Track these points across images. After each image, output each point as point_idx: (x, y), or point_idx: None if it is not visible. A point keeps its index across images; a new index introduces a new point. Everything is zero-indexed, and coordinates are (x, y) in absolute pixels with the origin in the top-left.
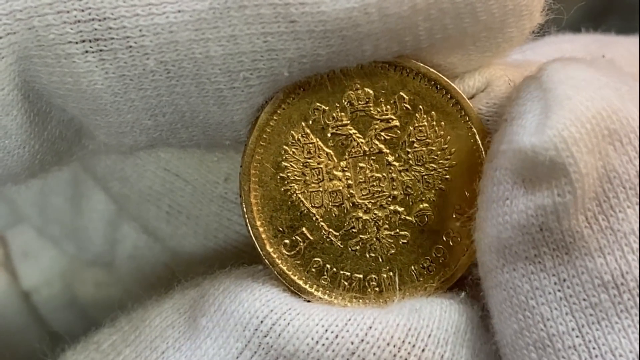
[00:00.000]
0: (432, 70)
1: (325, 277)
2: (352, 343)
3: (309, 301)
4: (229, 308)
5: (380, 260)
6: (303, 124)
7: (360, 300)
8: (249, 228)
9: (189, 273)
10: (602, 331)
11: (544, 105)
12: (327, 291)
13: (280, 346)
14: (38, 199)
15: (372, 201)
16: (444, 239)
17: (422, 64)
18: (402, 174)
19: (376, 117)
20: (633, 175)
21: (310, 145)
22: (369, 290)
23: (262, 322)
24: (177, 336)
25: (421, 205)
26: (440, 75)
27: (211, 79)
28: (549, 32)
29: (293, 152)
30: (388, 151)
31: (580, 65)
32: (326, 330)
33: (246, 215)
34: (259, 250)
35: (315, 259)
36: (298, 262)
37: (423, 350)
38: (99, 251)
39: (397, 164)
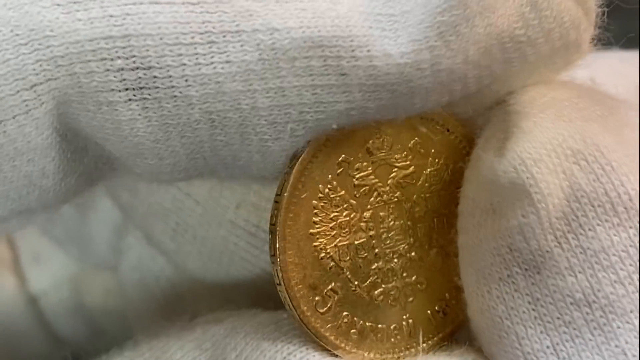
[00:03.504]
0: (445, 114)
1: (354, 331)
2: None
3: (335, 355)
4: (250, 356)
5: (401, 308)
6: (330, 177)
7: (383, 351)
8: (284, 287)
9: (193, 289)
10: (576, 348)
11: (506, 128)
12: (356, 344)
13: None
14: None
15: (393, 250)
16: (456, 279)
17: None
18: (418, 220)
19: (395, 164)
20: (601, 193)
21: (338, 198)
22: (393, 339)
23: None
24: None
25: (436, 250)
26: (453, 119)
27: (256, 129)
28: None
29: (322, 206)
30: (404, 198)
31: (548, 86)
32: None
33: (280, 275)
34: (294, 310)
35: (345, 313)
36: (329, 318)
37: None
38: (103, 260)
39: (415, 210)
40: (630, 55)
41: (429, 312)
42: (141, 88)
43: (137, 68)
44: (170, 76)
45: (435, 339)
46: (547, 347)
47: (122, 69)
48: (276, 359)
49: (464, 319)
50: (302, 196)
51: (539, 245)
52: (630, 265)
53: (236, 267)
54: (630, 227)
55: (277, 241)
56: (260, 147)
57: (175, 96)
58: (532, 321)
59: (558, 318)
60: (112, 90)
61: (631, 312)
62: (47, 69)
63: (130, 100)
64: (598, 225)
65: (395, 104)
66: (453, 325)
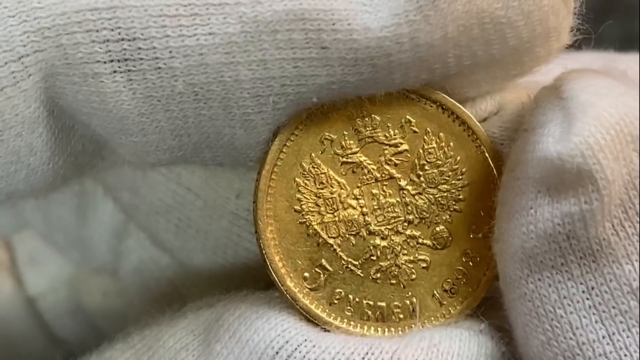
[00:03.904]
0: (436, 92)
1: (349, 307)
2: None
3: (328, 330)
4: (244, 336)
5: (402, 286)
6: (313, 154)
7: (385, 329)
8: (268, 264)
9: (195, 288)
10: (633, 338)
11: (567, 114)
12: (352, 322)
13: None
14: (43, 205)
15: (389, 227)
16: (463, 259)
17: (427, 88)
18: (416, 197)
19: (385, 142)
20: None
21: (322, 175)
22: (394, 317)
23: (277, 353)
24: None
25: (437, 228)
26: (445, 96)
27: (239, 102)
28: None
29: (305, 183)
30: (400, 176)
31: (597, 74)
32: None
33: (264, 251)
34: (280, 286)
35: (337, 290)
36: (320, 294)
37: None
38: (103, 263)
39: (410, 188)
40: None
41: (435, 291)
42: (126, 60)
43: (122, 39)
44: (154, 47)
45: (442, 319)
46: (603, 336)
47: (108, 41)
48: (270, 336)
49: (476, 299)
50: (283, 173)
51: (597, 232)
52: None
53: (241, 259)
54: None
55: (257, 219)
56: (244, 122)
57: (159, 68)
58: (586, 310)
59: (614, 307)
60: (98, 61)
61: None
62: (35, 41)
63: (115, 72)
64: None
65: (375, 78)
66: (463, 305)
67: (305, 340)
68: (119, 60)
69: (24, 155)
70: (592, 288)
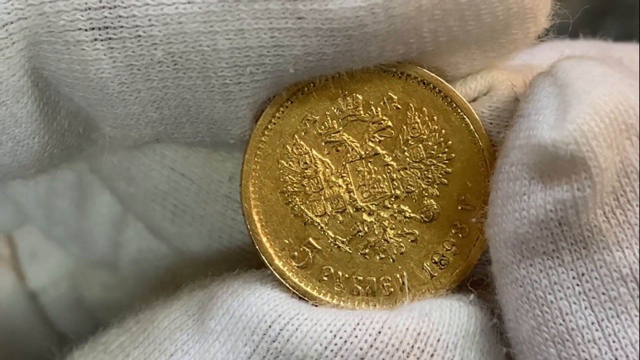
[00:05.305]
0: (417, 67)
1: (339, 283)
2: (360, 349)
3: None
4: (237, 311)
5: (391, 260)
6: (296, 135)
7: (374, 303)
8: (256, 244)
9: (194, 275)
10: (622, 324)
11: (562, 100)
12: (343, 297)
13: (288, 351)
14: (43, 200)
15: (375, 203)
16: (453, 232)
17: (407, 64)
18: (402, 172)
19: (367, 120)
20: None
21: (306, 155)
22: (384, 291)
23: (270, 326)
24: (185, 339)
25: (425, 202)
26: (425, 71)
27: (217, 72)
28: (548, 37)
29: (289, 164)
30: (384, 152)
31: (593, 61)
32: (335, 336)
33: (251, 232)
34: (269, 265)
35: (326, 267)
36: (309, 272)
37: (432, 355)
38: (103, 254)
39: (394, 163)
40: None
41: (425, 264)
42: (106, 27)
43: (103, 7)
44: (134, 15)
45: (433, 291)
46: (592, 322)
47: (89, 8)
48: (263, 311)
49: (467, 269)
50: (266, 155)
51: (589, 219)
52: None
53: (236, 242)
54: None
55: (244, 201)
56: (222, 93)
57: (139, 36)
58: (576, 296)
59: (604, 294)
60: (79, 29)
61: None
62: (18, 8)
63: (96, 39)
64: None
65: (352, 50)
66: (453, 277)
67: (298, 313)
68: (99, 28)
69: (9, 126)
70: (583, 274)
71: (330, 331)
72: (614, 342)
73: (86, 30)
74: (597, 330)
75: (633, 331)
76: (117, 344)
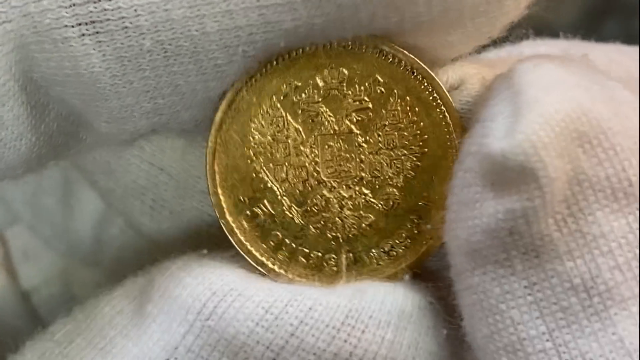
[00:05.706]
0: (410, 55)
1: (284, 251)
2: (291, 325)
3: (264, 274)
4: (173, 293)
5: (341, 240)
6: (274, 97)
7: (316, 278)
8: (210, 196)
9: None
10: (572, 335)
11: (514, 108)
12: (284, 266)
13: (221, 329)
14: (31, 199)
15: (338, 180)
16: (409, 225)
17: (401, 48)
18: (371, 156)
19: (349, 97)
20: (603, 178)
21: (280, 118)
22: (327, 269)
23: (204, 305)
24: (125, 323)
25: (388, 190)
26: (418, 61)
27: (209, 55)
28: (527, 36)
29: (262, 124)
30: (359, 132)
31: (551, 64)
32: (266, 312)
33: (208, 183)
34: (218, 218)
35: (275, 232)
36: (257, 234)
37: (363, 331)
38: (88, 253)
39: (366, 146)
40: (630, 49)
41: (373, 250)
42: (93, 22)
43: (88, 2)
44: (119, 7)
45: (376, 278)
46: (543, 332)
47: (74, 4)
48: (197, 290)
49: (415, 266)
50: (241, 109)
51: (540, 229)
52: (629, 252)
53: (214, 241)
54: (630, 214)
55: (208, 151)
56: (215, 73)
57: (126, 27)
58: (527, 306)
59: (555, 303)
60: (66, 26)
61: (629, 299)
62: (2, 11)
63: (83, 35)
64: (598, 210)
65: (342, 19)
66: (398, 269)
67: (231, 289)
68: (86, 23)
69: None
70: (534, 284)
71: (262, 307)
72: (564, 352)
73: (73, 26)
74: (547, 340)
75: (583, 342)
76: (63, 332)
